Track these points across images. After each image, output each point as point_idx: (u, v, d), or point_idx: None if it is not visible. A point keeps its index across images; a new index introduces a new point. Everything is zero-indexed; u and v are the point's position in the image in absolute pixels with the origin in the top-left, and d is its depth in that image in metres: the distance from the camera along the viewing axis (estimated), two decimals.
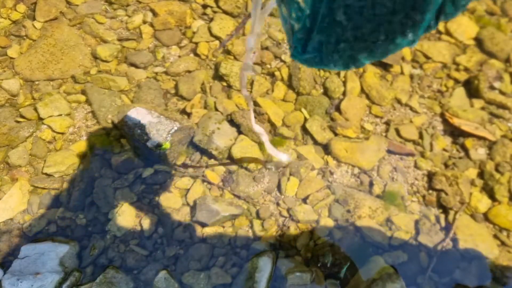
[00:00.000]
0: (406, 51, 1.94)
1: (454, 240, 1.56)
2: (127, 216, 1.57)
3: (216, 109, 1.78)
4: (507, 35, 1.98)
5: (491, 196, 1.64)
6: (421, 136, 1.77)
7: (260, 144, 1.70)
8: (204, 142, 1.69)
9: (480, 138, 1.75)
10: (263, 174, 1.66)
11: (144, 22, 1.98)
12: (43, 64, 1.84)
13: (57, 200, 1.60)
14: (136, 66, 1.87)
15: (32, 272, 1.40)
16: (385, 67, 1.90)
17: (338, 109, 1.81)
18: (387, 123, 1.80)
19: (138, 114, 1.67)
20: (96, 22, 1.96)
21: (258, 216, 1.58)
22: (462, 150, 1.75)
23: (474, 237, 1.56)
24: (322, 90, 1.86)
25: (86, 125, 1.74)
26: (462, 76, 1.90)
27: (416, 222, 1.60)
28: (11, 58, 1.85)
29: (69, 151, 1.67)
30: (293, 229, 1.57)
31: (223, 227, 1.56)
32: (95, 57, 1.88)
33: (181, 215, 1.58)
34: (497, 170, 1.68)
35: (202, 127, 1.72)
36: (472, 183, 1.68)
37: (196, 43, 1.93)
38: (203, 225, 1.55)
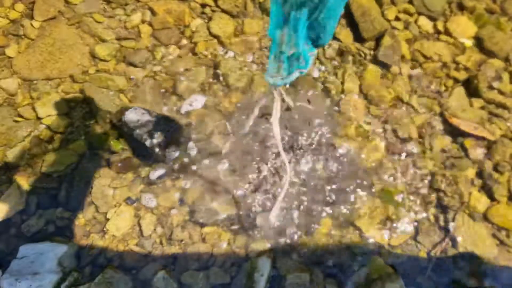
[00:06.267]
0: (406, 51, 1.93)
1: (453, 240, 1.56)
2: (125, 216, 1.56)
3: (215, 109, 1.78)
4: (506, 34, 1.98)
5: (490, 195, 1.64)
6: (420, 135, 1.77)
7: None
8: (203, 141, 1.69)
9: (479, 137, 1.74)
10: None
11: (143, 21, 1.97)
12: (41, 63, 1.83)
13: (55, 200, 1.60)
14: (135, 65, 1.86)
15: (31, 272, 1.39)
16: (385, 66, 1.90)
17: (337, 108, 1.80)
18: (386, 123, 1.80)
19: (137, 113, 1.66)
20: (95, 21, 1.95)
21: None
22: (461, 149, 1.75)
23: (473, 236, 1.56)
24: (321, 90, 1.85)
25: (84, 124, 1.73)
26: (462, 75, 1.90)
27: (416, 222, 1.60)
28: (9, 57, 1.84)
29: (68, 150, 1.67)
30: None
31: (222, 226, 1.56)
32: (93, 56, 1.87)
33: (180, 215, 1.58)
34: (496, 169, 1.68)
35: (201, 127, 1.72)
36: (472, 182, 1.68)
37: (195, 42, 1.92)
38: (202, 225, 1.55)
